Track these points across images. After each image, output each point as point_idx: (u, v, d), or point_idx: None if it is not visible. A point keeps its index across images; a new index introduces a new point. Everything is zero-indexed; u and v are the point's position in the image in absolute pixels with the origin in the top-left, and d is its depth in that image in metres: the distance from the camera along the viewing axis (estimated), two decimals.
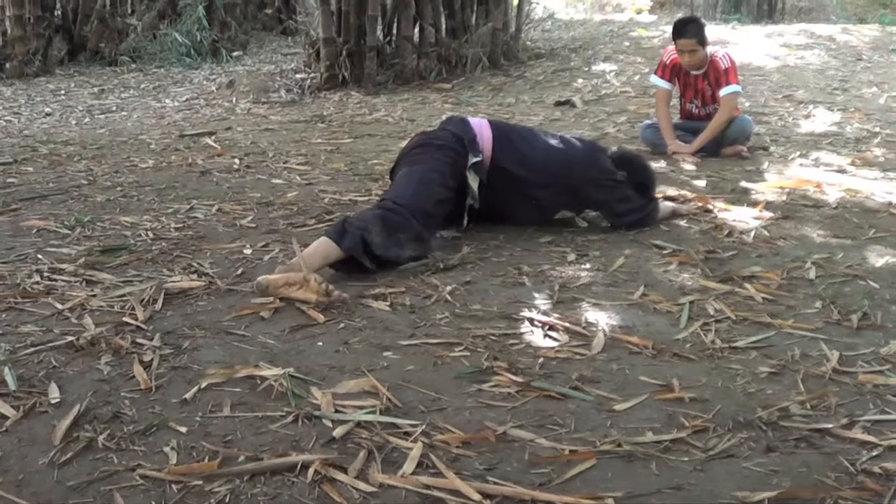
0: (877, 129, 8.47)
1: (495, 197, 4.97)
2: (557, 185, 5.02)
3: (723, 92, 7.23)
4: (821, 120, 9.01)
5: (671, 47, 7.50)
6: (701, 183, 6.26)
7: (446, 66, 12.41)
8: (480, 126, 5.00)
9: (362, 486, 2.55)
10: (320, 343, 3.59)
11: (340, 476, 2.59)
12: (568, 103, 10.36)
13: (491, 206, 5.02)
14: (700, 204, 5.59)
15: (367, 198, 5.97)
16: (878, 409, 2.99)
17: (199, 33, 15.28)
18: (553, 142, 5.17)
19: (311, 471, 2.60)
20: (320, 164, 7.27)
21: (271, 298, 4.03)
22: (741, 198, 5.83)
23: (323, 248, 4.36)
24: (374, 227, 4.39)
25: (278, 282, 4.08)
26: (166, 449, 2.75)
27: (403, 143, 7.78)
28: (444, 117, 8.53)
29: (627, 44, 14.65)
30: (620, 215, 5.15)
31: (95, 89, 13.08)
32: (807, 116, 9.24)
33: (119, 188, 6.48)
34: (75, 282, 4.35)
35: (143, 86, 13.30)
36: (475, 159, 4.83)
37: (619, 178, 5.11)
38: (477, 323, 3.77)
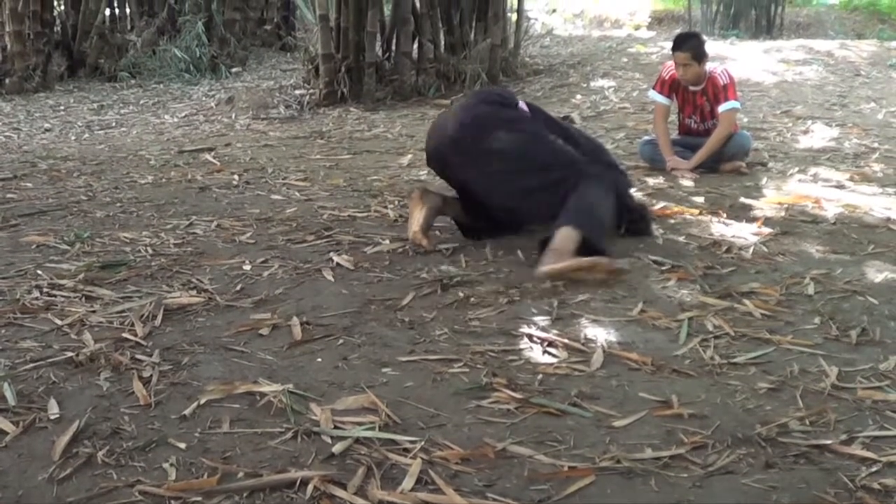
0: (875, 145, 8.48)
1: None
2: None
3: (721, 108, 7.23)
4: (819, 135, 9.01)
5: (670, 63, 7.50)
6: (699, 199, 6.26)
7: (445, 82, 12.42)
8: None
9: (361, 502, 2.56)
10: (319, 359, 3.59)
11: (340, 492, 2.59)
12: (567, 119, 10.34)
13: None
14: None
15: (365, 214, 5.98)
16: (877, 425, 2.99)
17: (199, 49, 15.29)
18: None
19: (310, 487, 2.60)
20: (319, 180, 7.27)
21: (269, 314, 4.04)
22: (740, 214, 5.82)
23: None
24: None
25: (569, 268, 4.42)
26: (165, 465, 2.75)
27: (402, 160, 7.88)
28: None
29: (626, 60, 14.66)
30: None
31: (95, 105, 13.08)
32: (805, 132, 9.24)
33: (118, 204, 6.48)
34: (75, 297, 4.36)
35: (142, 101, 13.31)
36: None
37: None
38: (476, 339, 3.77)
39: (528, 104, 5.25)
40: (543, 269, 4.44)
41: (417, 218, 5.06)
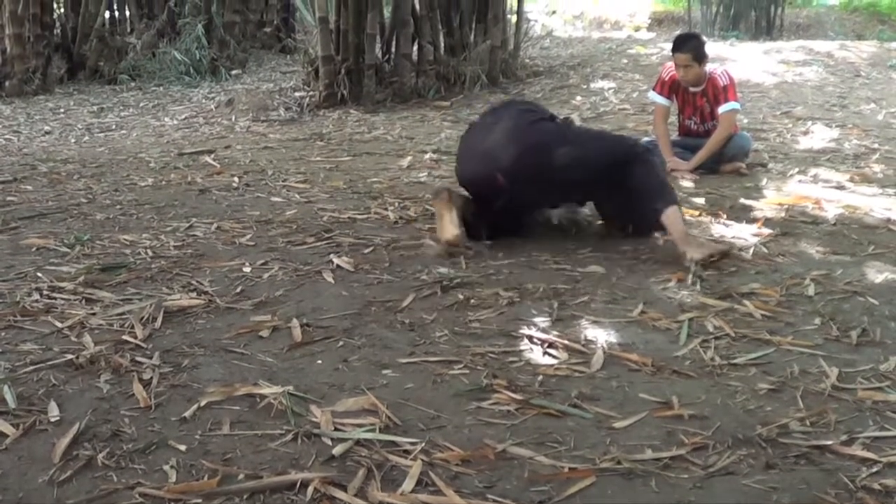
0: (875, 146, 8.48)
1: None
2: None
3: (721, 109, 7.23)
4: (819, 136, 9.01)
5: (670, 64, 7.51)
6: (700, 200, 6.26)
7: (445, 83, 12.41)
8: None
9: None
10: (319, 361, 3.59)
11: (340, 494, 2.59)
12: (567, 120, 10.34)
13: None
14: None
15: (366, 215, 5.98)
16: (877, 426, 2.99)
17: (199, 52, 15.28)
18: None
19: (310, 489, 2.60)
20: (319, 183, 7.27)
21: (269, 316, 4.05)
22: (740, 215, 5.82)
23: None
24: None
25: (712, 255, 4.67)
26: (166, 467, 2.75)
27: (402, 162, 7.88)
28: (443, 134, 8.57)
29: (626, 61, 14.67)
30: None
31: (95, 108, 13.08)
32: (805, 133, 9.25)
33: (118, 206, 6.48)
34: (75, 300, 4.36)
35: (142, 104, 13.30)
36: None
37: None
38: (476, 341, 3.77)
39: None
40: (696, 257, 4.63)
41: (450, 220, 5.03)
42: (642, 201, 4.89)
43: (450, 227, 5.01)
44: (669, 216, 4.82)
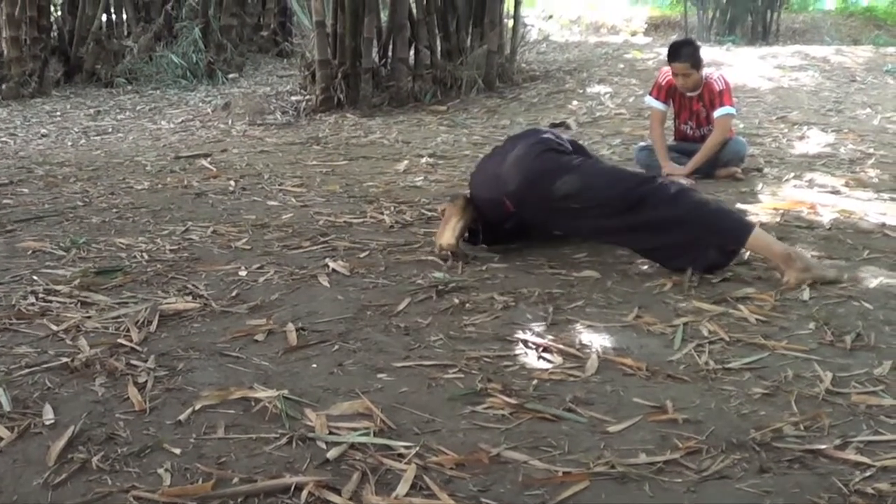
0: (871, 151, 8.49)
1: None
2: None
3: (717, 113, 7.24)
4: (815, 141, 9.03)
5: (666, 68, 7.52)
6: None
7: (441, 88, 12.44)
8: None
9: None
10: (314, 365, 3.59)
11: (334, 498, 2.59)
12: (563, 125, 10.37)
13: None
14: None
15: (361, 220, 5.99)
16: (871, 430, 2.99)
17: (195, 55, 15.32)
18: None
19: (304, 492, 2.60)
20: (315, 186, 7.28)
21: (264, 320, 4.05)
22: None
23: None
24: None
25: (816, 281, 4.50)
26: (160, 470, 2.75)
27: (398, 166, 7.89)
28: (440, 138, 8.58)
29: (622, 66, 14.69)
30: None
31: (91, 111, 13.10)
32: (801, 138, 9.26)
33: (114, 210, 6.49)
34: (70, 303, 4.36)
35: (138, 107, 13.32)
36: None
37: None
38: (471, 345, 3.77)
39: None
40: (795, 281, 4.48)
41: (454, 227, 5.05)
42: (700, 235, 4.73)
43: (448, 233, 5.03)
44: (755, 242, 4.68)
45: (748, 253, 4.86)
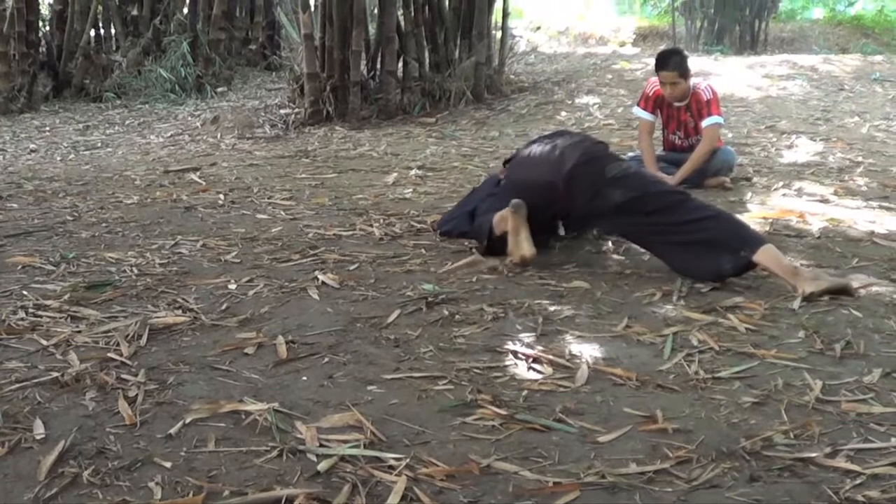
0: (859, 159, 8.53)
1: None
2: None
3: (705, 123, 7.27)
4: (803, 150, 9.06)
5: (654, 79, 7.55)
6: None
7: (430, 100, 12.45)
8: None
9: None
10: (305, 378, 3.59)
11: None
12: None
13: None
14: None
15: (351, 232, 5.99)
16: (861, 438, 3.00)
17: (184, 69, 15.30)
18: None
19: None
20: (305, 199, 7.28)
21: (254, 333, 4.05)
22: None
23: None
24: None
25: (829, 290, 4.49)
26: (151, 484, 2.75)
27: (387, 178, 7.89)
28: (429, 150, 8.59)
29: (610, 76, 14.72)
30: None
31: (80, 125, 13.08)
32: (789, 147, 9.30)
33: (104, 224, 6.48)
34: (60, 318, 4.35)
35: (127, 122, 13.31)
36: None
37: None
38: (461, 356, 3.77)
39: None
40: (811, 290, 4.46)
41: (526, 237, 5.06)
42: (726, 234, 4.82)
43: (525, 244, 5.03)
44: (764, 256, 4.69)
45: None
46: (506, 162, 6.00)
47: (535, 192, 5.16)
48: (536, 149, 5.46)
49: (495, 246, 5.21)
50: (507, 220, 5.09)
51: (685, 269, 4.84)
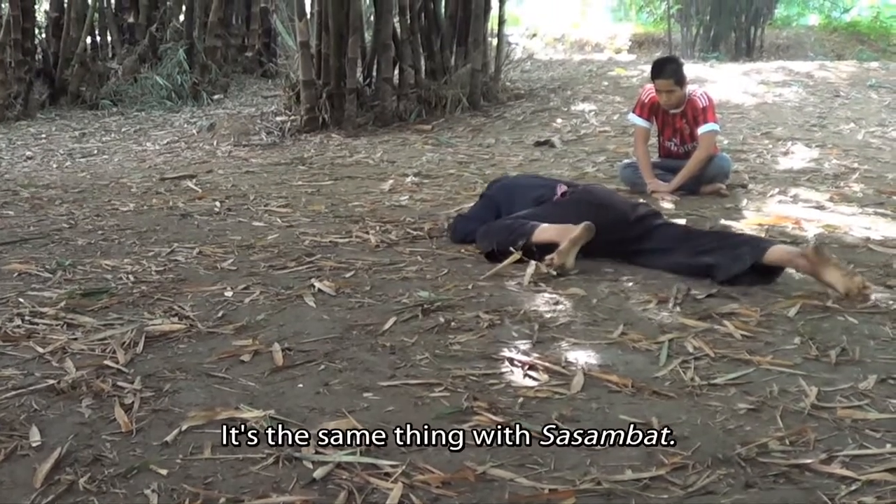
0: (855, 165, 8.53)
1: None
2: None
3: (701, 130, 7.27)
4: (799, 156, 9.07)
5: (649, 86, 7.55)
6: (680, 221, 6.28)
7: (426, 107, 12.46)
8: None
9: None
10: (300, 385, 3.59)
11: None
12: (547, 143, 10.40)
13: None
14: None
15: (347, 239, 5.99)
16: (856, 444, 3.00)
17: (180, 76, 15.30)
18: None
19: None
20: (301, 207, 7.28)
21: (250, 341, 4.05)
22: None
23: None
24: None
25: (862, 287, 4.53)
26: (147, 491, 2.75)
27: (384, 185, 7.91)
28: (425, 157, 8.60)
29: (606, 83, 14.73)
30: None
31: (76, 133, 13.09)
32: (785, 153, 9.30)
33: (100, 231, 6.48)
34: (56, 325, 4.35)
35: (124, 129, 13.31)
36: None
37: None
38: (457, 363, 3.77)
39: None
40: (843, 289, 4.53)
41: (575, 253, 5.15)
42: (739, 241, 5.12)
43: (572, 258, 5.13)
44: (774, 255, 4.83)
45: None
46: (491, 184, 6.37)
47: (608, 217, 5.32)
48: (599, 187, 5.93)
49: (530, 250, 5.23)
50: (570, 231, 5.14)
51: (699, 266, 5.01)
